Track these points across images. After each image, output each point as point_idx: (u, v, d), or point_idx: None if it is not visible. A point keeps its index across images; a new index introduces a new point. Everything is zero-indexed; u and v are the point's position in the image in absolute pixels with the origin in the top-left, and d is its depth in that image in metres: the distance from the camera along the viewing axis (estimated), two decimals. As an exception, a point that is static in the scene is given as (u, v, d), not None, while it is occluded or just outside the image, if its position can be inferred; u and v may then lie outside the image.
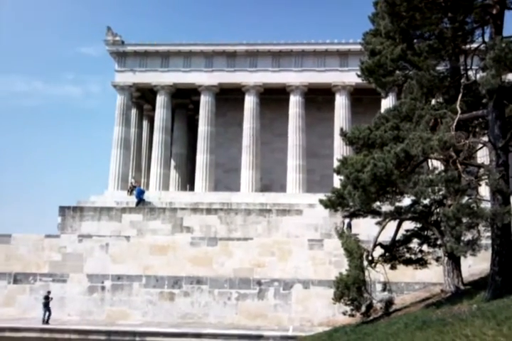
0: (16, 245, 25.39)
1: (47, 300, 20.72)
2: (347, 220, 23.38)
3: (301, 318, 20.66)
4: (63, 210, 28.42)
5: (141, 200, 29.60)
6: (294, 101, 33.05)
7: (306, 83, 33.05)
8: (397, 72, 17.51)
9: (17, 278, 22.15)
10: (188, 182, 35.83)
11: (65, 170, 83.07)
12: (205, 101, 33.52)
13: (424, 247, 17.64)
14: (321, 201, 17.14)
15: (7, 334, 19.49)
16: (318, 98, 35.11)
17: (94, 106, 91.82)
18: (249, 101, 33.25)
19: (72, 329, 19.58)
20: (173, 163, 35.16)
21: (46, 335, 19.46)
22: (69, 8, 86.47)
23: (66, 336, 19.41)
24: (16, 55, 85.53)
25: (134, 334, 19.12)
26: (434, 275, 19.86)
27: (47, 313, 20.46)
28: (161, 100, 33.83)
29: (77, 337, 19.35)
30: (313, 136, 33.96)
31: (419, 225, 17.58)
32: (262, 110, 33.70)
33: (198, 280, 21.46)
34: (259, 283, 21.16)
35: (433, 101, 17.44)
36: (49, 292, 21.17)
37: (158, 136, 33.13)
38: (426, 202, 16.73)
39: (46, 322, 20.26)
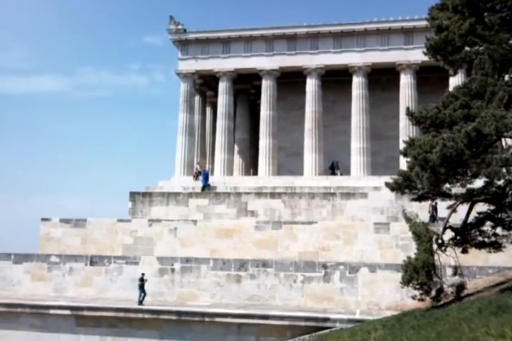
0: (91, 229, 26.74)
1: (142, 282, 21.02)
2: (433, 203, 23.00)
3: (368, 302, 20.47)
4: (133, 196, 29.55)
5: (206, 185, 30.22)
6: (357, 83, 32.35)
7: (369, 63, 32.24)
8: (466, 48, 16.66)
9: (93, 261, 23.23)
10: (251, 166, 36.13)
11: (135, 157, 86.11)
12: (266, 86, 33.45)
13: (499, 230, 16.89)
14: (387, 184, 16.75)
15: (85, 313, 20.57)
16: (382, 78, 34.19)
17: (160, 95, 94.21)
18: (311, 84, 32.86)
19: (146, 309, 20.34)
20: (236, 148, 35.51)
21: (121, 314, 20.35)
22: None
23: (140, 315, 20.22)
24: (87, 47, 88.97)
25: (203, 314, 19.63)
26: (509, 259, 19.07)
27: (142, 294, 20.82)
28: (223, 86, 34.09)
29: (149, 316, 20.11)
30: (378, 117, 33.19)
31: (492, 207, 16.81)
32: (324, 92, 33.24)
33: (264, 263, 21.68)
34: (324, 266, 21.10)
35: (506, 77, 16.50)
36: (143, 274, 21.48)
37: (221, 122, 33.49)
38: (500, 183, 15.97)
39: (140, 303, 20.68)
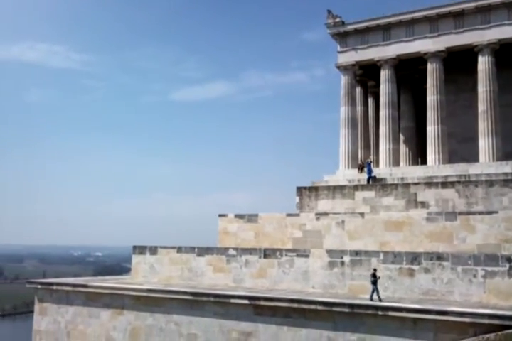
0: (263, 224, 28.06)
1: (374, 278, 20.17)
2: None
3: None
4: (300, 190, 30.30)
5: (371, 177, 29.67)
6: (539, 54, 28.86)
7: (553, 31, 28.57)
8: None
9: (266, 253, 24.23)
10: (418, 156, 34.55)
11: (299, 153, 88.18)
12: (432, 69, 31.74)
13: None
14: None
15: (262, 303, 21.59)
16: None
17: (320, 90, 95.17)
18: (483, 62, 30.25)
19: (318, 300, 20.59)
20: (401, 137, 34.26)
21: (295, 305, 20.94)
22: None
23: (313, 307, 20.57)
24: (249, 52, 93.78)
25: (377, 308, 19.25)
26: None
27: (375, 290, 19.95)
28: (384, 74, 33.24)
29: (322, 308, 20.34)
30: None
31: None
32: (498, 70, 30.30)
33: (438, 256, 20.48)
34: (508, 259, 19.16)
35: None
36: (375, 269, 20.49)
37: (384, 112, 32.64)
38: None
39: (371, 298, 19.91)
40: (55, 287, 26.68)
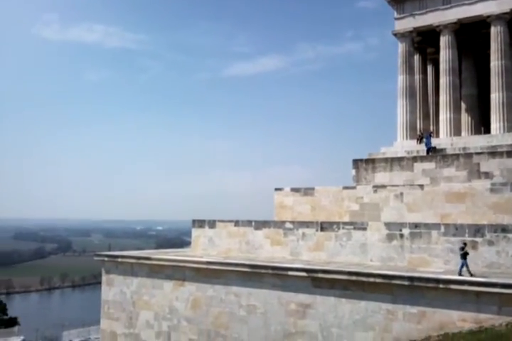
0: (319, 197, 27.94)
1: (463, 251, 19.26)
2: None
3: None
4: (356, 163, 29.85)
5: (431, 148, 28.75)
6: None
7: None
8: None
9: (323, 226, 24.19)
10: (481, 124, 33.08)
11: (355, 124, 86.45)
12: (496, 33, 30.00)
13: None
14: None
15: (320, 275, 21.66)
16: None
17: (374, 59, 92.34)
18: (552, 23, 28.24)
19: (377, 273, 20.42)
20: (463, 105, 32.82)
21: (353, 278, 20.88)
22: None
23: (371, 279, 20.44)
24: (301, 24, 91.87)
25: (438, 281, 18.91)
26: None
27: (463, 264, 19.06)
28: (444, 40, 31.74)
29: (381, 280, 20.18)
30: None
31: None
32: None
33: (503, 228, 19.74)
34: None
35: None
36: (465, 243, 19.56)
37: (444, 79, 31.29)
38: None
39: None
40: (120, 259, 27.89)
